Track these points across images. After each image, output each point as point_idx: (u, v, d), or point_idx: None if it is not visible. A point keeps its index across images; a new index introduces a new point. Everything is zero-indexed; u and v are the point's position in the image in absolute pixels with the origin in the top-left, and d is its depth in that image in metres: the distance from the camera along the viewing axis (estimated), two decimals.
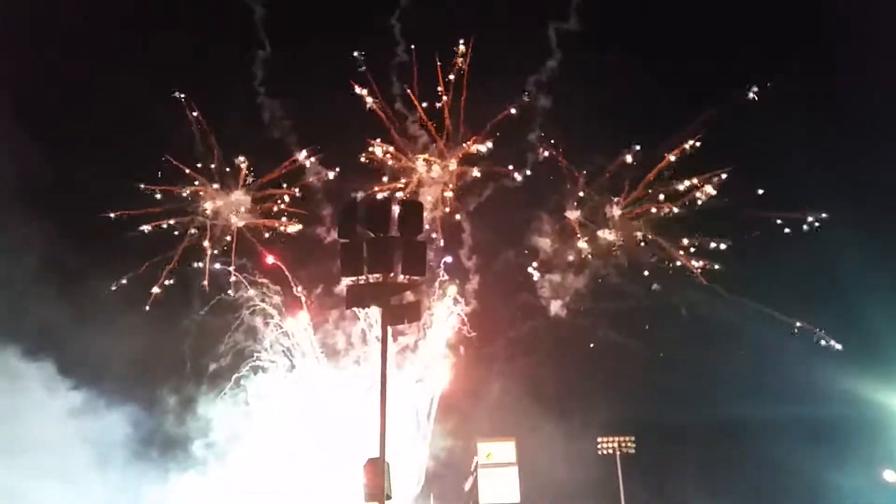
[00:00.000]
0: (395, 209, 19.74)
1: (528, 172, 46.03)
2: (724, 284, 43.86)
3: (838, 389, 40.08)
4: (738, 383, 42.16)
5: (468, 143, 45.66)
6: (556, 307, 45.66)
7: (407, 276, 19.14)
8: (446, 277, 44.91)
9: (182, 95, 44.53)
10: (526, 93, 45.10)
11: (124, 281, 43.64)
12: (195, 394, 42.34)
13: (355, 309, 40.62)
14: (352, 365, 43.56)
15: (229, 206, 45.74)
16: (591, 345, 45.26)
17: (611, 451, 42.59)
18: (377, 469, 17.90)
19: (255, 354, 43.19)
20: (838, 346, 43.36)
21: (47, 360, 37.54)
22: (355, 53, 45.05)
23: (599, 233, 46.00)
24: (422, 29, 44.10)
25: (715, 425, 40.91)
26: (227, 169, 45.55)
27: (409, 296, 19.64)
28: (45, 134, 40.09)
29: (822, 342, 43.52)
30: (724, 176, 44.71)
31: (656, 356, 44.55)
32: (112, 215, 43.51)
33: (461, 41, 44.70)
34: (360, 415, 37.30)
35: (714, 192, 44.80)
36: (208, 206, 45.44)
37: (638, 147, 45.11)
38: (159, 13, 43.48)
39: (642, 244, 45.69)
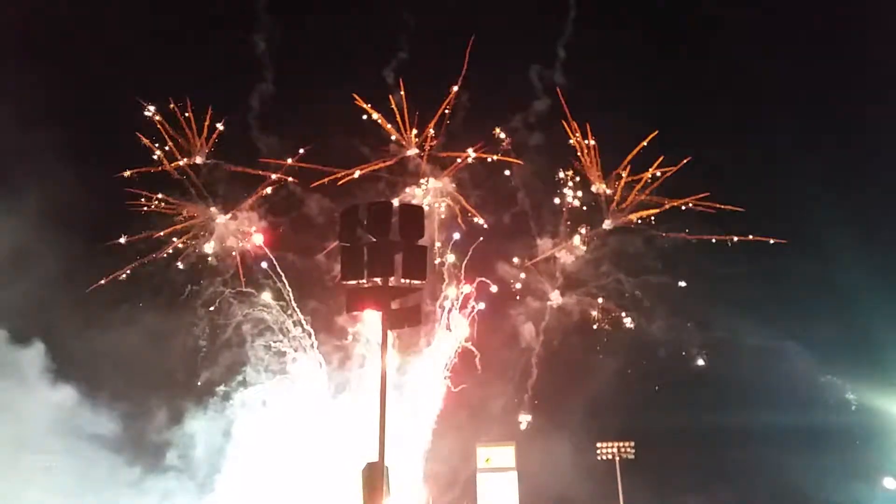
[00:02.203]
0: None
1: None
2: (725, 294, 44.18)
3: (839, 397, 40.13)
4: (738, 390, 42.19)
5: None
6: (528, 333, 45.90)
7: (408, 280, 19.10)
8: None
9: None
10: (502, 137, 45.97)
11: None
12: (185, 403, 42.50)
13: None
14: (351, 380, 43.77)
15: (231, 229, 46.16)
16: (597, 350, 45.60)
17: (610, 456, 42.54)
18: (376, 473, 17.84)
19: (243, 369, 43.47)
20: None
21: (36, 348, 37.61)
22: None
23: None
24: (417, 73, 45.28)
25: (715, 432, 40.89)
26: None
27: (410, 300, 19.60)
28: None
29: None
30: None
31: (657, 362, 44.71)
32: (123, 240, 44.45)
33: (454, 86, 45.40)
34: (359, 422, 37.42)
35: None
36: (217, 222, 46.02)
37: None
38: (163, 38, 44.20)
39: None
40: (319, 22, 45.12)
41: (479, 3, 45.09)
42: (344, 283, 19.58)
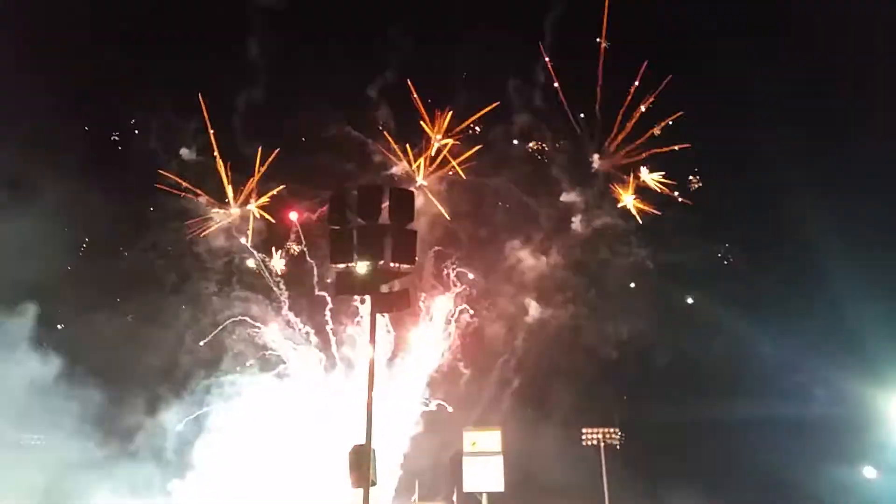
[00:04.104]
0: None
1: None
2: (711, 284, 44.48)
3: (822, 387, 40.54)
4: (723, 380, 42.56)
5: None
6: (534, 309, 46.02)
7: (397, 264, 19.06)
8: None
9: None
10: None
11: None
12: (168, 391, 42.57)
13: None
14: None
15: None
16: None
17: (595, 442, 42.94)
18: (363, 455, 17.89)
19: (238, 359, 43.66)
20: None
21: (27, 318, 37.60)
22: None
23: None
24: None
25: (700, 421, 41.23)
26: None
27: (399, 284, 19.59)
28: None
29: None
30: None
31: (644, 351, 44.99)
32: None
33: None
34: (345, 410, 37.65)
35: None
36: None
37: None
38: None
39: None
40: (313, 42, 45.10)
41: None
42: (333, 266, 19.55)
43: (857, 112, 43.25)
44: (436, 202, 45.95)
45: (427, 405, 43.65)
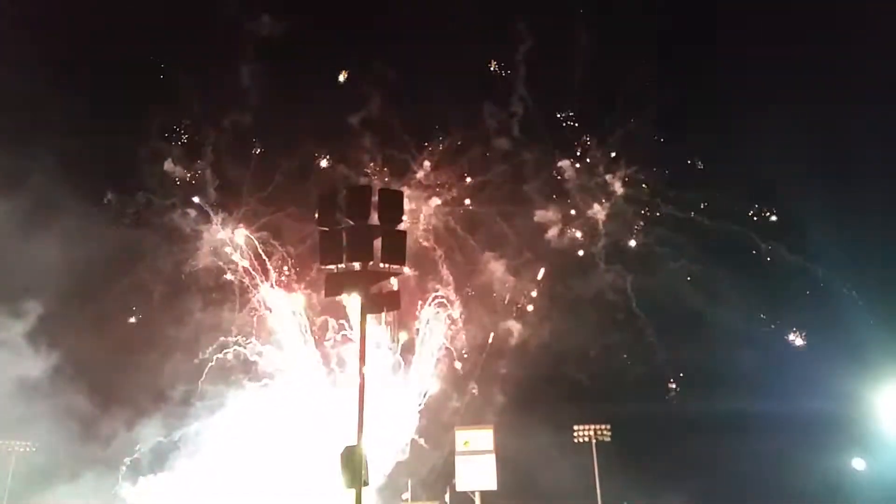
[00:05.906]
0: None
1: None
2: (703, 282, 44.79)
3: (811, 383, 40.93)
4: (714, 377, 42.80)
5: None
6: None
7: (387, 265, 19.03)
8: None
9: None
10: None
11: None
12: (156, 401, 42.74)
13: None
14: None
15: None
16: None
17: (587, 438, 43.05)
18: (355, 456, 17.89)
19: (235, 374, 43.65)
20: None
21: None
22: None
23: None
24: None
25: (691, 417, 41.49)
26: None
27: (389, 285, 19.55)
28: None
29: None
30: None
31: (634, 348, 45.27)
32: None
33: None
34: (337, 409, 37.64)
35: None
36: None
37: None
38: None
39: None
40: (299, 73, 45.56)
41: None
42: (323, 267, 19.49)
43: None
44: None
45: (420, 406, 43.70)
